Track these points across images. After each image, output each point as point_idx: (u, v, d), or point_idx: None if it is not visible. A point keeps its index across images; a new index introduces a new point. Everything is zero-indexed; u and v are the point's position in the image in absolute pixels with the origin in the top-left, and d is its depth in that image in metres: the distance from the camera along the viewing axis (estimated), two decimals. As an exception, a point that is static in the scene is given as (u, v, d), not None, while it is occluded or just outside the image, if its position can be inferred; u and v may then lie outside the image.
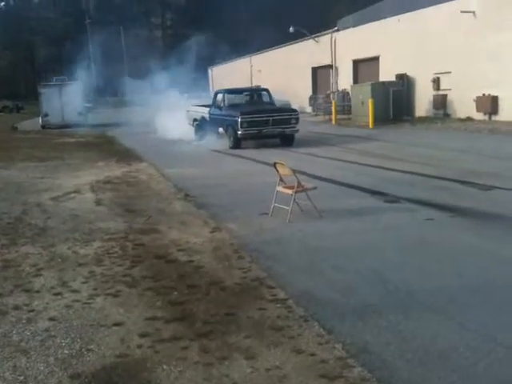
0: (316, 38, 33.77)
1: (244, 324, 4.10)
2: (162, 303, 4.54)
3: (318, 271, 5.26)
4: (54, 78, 33.11)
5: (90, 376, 3.39)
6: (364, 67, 29.52)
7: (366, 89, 24.08)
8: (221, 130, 17.48)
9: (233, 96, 18.41)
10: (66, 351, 3.71)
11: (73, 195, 9.61)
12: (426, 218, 7.05)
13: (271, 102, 18.26)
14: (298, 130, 16.94)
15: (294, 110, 17.84)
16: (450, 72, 22.71)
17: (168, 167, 12.67)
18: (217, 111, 17.85)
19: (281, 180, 7.68)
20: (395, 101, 24.16)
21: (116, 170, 12.65)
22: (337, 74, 32.37)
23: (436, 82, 23.83)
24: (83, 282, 5.08)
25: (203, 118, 19.02)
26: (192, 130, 19.92)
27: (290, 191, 7.37)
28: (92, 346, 3.78)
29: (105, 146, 19.03)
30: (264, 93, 18.79)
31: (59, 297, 4.72)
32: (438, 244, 6.04)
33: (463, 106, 22.06)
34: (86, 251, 6.10)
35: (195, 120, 19.76)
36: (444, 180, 9.74)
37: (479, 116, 21.37)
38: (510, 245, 5.90)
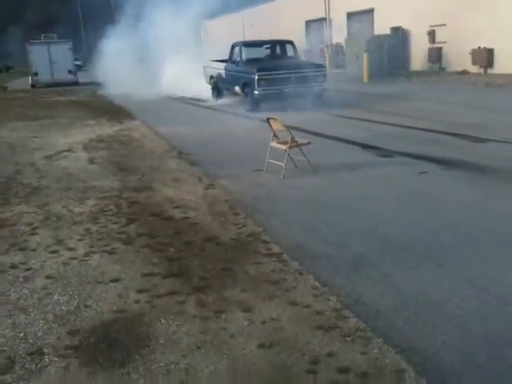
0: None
1: (240, 278, 4.14)
2: (159, 259, 4.57)
3: (313, 226, 5.28)
4: (42, 35, 32.33)
5: (88, 331, 3.43)
6: (358, 20, 28.94)
7: (360, 42, 23.69)
8: (237, 88, 15.58)
9: (251, 49, 16.19)
10: (64, 308, 3.75)
11: (65, 154, 9.54)
12: (420, 172, 7.06)
13: (296, 57, 16.20)
14: (325, 89, 14.73)
15: (321, 66, 15.57)
16: (444, 24, 22.33)
17: (161, 125, 12.54)
18: (233, 67, 15.89)
19: (274, 135, 7.63)
20: (390, 54, 23.83)
21: (108, 129, 12.52)
22: (331, 28, 31.75)
23: (431, 35, 23.46)
24: (79, 240, 5.09)
25: (219, 74, 17.12)
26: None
27: (283, 146, 7.34)
28: (90, 303, 3.82)
29: (96, 104, 18.78)
30: (288, 45, 16.54)
31: (55, 255, 4.74)
32: (432, 196, 6.07)
33: (458, 59, 21.80)
34: (80, 209, 6.10)
35: (211, 77, 17.99)
36: (438, 133, 9.71)
37: (475, 69, 21.15)
38: (500, 195, 5.95)
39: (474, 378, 2.85)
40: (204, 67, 18.66)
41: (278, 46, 16.72)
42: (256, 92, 14.10)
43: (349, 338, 3.22)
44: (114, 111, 16.25)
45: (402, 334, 3.24)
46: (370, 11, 27.39)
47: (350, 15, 29.76)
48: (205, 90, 18.19)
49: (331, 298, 3.75)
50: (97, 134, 11.75)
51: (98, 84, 24.35)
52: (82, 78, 31.54)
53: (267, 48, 16.60)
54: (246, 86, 14.69)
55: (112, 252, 4.78)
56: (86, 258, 4.64)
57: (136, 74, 20.41)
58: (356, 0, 27.80)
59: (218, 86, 17.42)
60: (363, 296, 3.75)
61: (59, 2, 56.40)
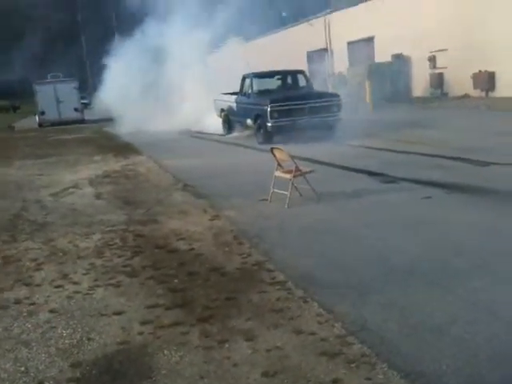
0: (310, 22, 33.52)
1: (244, 307, 4.12)
2: (163, 291, 4.57)
3: (317, 253, 5.27)
4: (48, 75, 33.02)
5: (91, 364, 3.42)
6: (359, 48, 29.34)
7: (362, 71, 23.97)
8: (249, 121, 15.08)
9: (262, 80, 15.80)
10: (66, 341, 3.74)
11: (72, 190, 9.63)
12: (424, 197, 7.05)
13: (308, 86, 15.73)
14: (340, 119, 14.17)
15: (336, 95, 14.81)
16: (446, 49, 22.57)
17: (166, 159, 12.67)
18: (244, 99, 15.47)
19: (278, 165, 7.68)
20: (392, 81, 24.06)
21: (114, 164, 12.65)
22: (332, 57, 32.19)
23: (432, 61, 23.71)
24: (84, 274, 5.11)
25: (230, 107, 16.73)
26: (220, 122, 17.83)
27: (288, 176, 7.37)
28: (93, 335, 3.81)
29: (102, 141, 19.01)
30: (300, 75, 16.16)
31: (60, 289, 4.75)
32: (436, 220, 6.05)
33: (460, 83, 21.95)
34: (86, 244, 6.12)
35: (222, 110, 17.50)
36: (442, 158, 9.71)
37: (476, 93, 21.28)
38: (505, 217, 5.93)
39: (481, 401, 2.80)
40: (214, 100, 18.20)
41: (290, 77, 16.38)
42: (269, 124, 13.67)
43: (353, 364, 3.18)
44: (119, 147, 16.44)
45: (406, 359, 3.20)
46: (371, 39, 27.79)
47: (350, 44, 30.19)
48: (215, 124, 17.93)
49: (336, 324, 3.71)
50: (103, 169, 11.87)
51: (108, 120, 24.56)
52: (88, 115, 32.04)
53: (279, 79, 16.33)
54: (259, 118, 14.27)
55: (116, 285, 4.78)
56: (91, 292, 4.65)
57: (143, 108, 20.49)
58: (356, 29, 28.24)
59: (229, 119, 17.08)
60: (368, 322, 3.72)
61: (64, 41, 57.71)
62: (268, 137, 13.80)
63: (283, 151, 7.64)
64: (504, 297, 3.94)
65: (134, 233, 6.46)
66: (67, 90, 30.48)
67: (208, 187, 8.92)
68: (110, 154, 14.60)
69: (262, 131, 14.15)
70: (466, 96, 21.51)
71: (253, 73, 15.72)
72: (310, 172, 7.60)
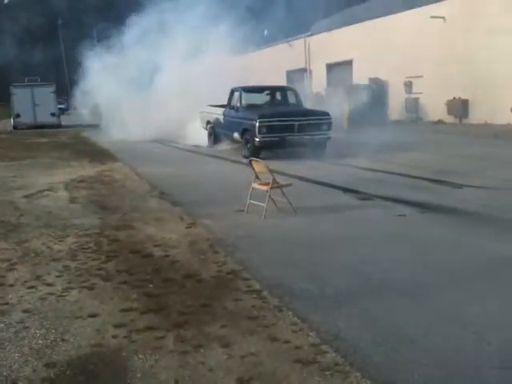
0: (290, 42, 33.98)
1: (219, 314, 4.13)
2: (138, 295, 4.55)
3: (293, 264, 5.33)
4: (25, 78, 32.61)
5: (65, 365, 3.38)
6: (338, 70, 29.84)
7: (339, 92, 24.33)
8: (236, 135, 14.85)
9: (251, 95, 15.51)
10: (40, 341, 3.70)
11: (46, 193, 9.51)
12: (398, 214, 7.20)
13: (298, 103, 15.57)
14: (330, 138, 14.01)
15: (326, 114, 14.38)
16: (421, 76, 23.13)
17: (143, 167, 12.62)
18: (232, 113, 15.20)
19: (256, 177, 7.74)
20: (369, 104, 24.46)
21: (90, 169, 12.55)
22: (311, 77, 32.63)
23: (408, 86, 24.25)
24: (57, 276, 5.05)
25: (217, 120, 16.46)
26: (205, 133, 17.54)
27: (265, 187, 7.44)
28: (67, 337, 3.77)
29: (78, 146, 18.83)
30: (289, 92, 16.03)
31: (33, 290, 4.69)
32: (409, 237, 6.20)
33: (435, 109, 22.50)
34: (60, 247, 6.06)
35: (208, 122, 17.31)
36: (417, 179, 9.94)
37: (450, 119, 21.83)
38: (475, 237, 6.13)
39: (451, 410, 2.87)
40: (200, 112, 17.88)
41: (279, 92, 16.22)
42: (257, 139, 13.35)
43: (328, 373, 3.22)
44: (95, 153, 16.30)
45: (379, 369, 3.26)
46: (349, 62, 28.30)
47: (329, 66, 30.70)
48: (199, 135, 17.66)
49: (310, 333, 3.76)
50: (78, 174, 11.75)
51: (86, 126, 24.20)
52: (65, 121, 31.71)
53: (268, 94, 16.12)
54: (246, 132, 14.00)
55: (91, 288, 4.74)
56: (64, 294, 4.60)
57: (127, 115, 20.22)
58: (335, 51, 28.75)
59: (215, 132, 16.87)
60: (342, 331, 3.77)
61: (43, 44, 57.11)
62: (255, 152, 13.22)
63: (261, 163, 7.73)
64: (472, 309, 4.06)
65: (109, 237, 6.41)
66: (44, 94, 30.14)
67: (185, 195, 8.92)
68: (86, 160, 14.48)
69: (249, 146, 13.89)
70: (439, 122, 22.03)
71: (242, 87, 15.42)
72: (288, 185, 7.69)
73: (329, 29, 29.96)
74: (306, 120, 13.69)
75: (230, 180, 10.37)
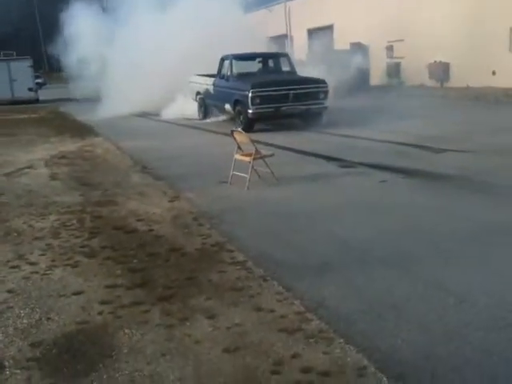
0: (270, 8, 33.43)
1: (205, 287, 4.15)
2: (122, 271, 4.54)
3: (277, 234, 5.35)
4: (1, 52, 31.81)
5: (51, 343, 3.38)
6: (319, 36, 29.45)
7: (320, 58, 24.09)
8: (227, 106, 14.12)
9: (243, 63, 14.60)
10: (25, 321, 3.69)
11: (26, 171, 9.38)
12: (380, 181, 7.23)
13: (292, 71, 14.69)
14: (327, 107, 13.30)
15: (322, 81, 13.45)
16: (402, 40, 22.97)
17: (125, 141, 12.47)
18: (222, 82, 14.42)
19: (239, 148, 7.70)
20: (350, 69, 24.29)
21: (70, 145, 12.38)
22: (292, 44, 32.26)
23: (390, 50, 24.10)
24: (41, 255, 5.01)
25: (207, 90, 15.68)
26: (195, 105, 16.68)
27: (247, 158, 7.41)
28: (52, 315, 3.77)
29: (57, 122, 18.52)
30: (283, 59, 15.14)
31: (16, 269, 4.65)
32: (391, 203, 6.24)
33: (416, 73, 22.41)
34: (42, 225, 6.00)
35: (198, 93, 16.42)
36: (399, 145, 9.96)
37: (432, 83, 21.79)
38: (455, 201, 6.18)
39: (433, 371, 2.93)
40: (189, 82, 16.90)
41: (272, 60, 15.39)
42: (250, 111, 12.68)
43: (312, 340, 3.27)
44: (76, 128, 16.06)
45: (363, 335, 3.31)
46: (330, 27, 27.98)
47: (310, 31, 30.31)
48: (190, 107, 16.89)
49: (295, 302, 3.80)
50: (58, 150, 11.59)
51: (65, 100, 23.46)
52: (43, 95, 31.12)
53: (260, 61, 15.24)
54: (239, 103, 13.29)
55: (74, 265, 4.72)
56: (48, 272, 4.57)
57: (108, 87, 19.43)
58: (316, 17, 28.37)
59: (206, 104, 16.15)
60: (326, 300, 3.82)
61: (19, 18, 55.63)
62: (249, 124, 12.82)
63: (243, 134, 7.69)
64: (455, 275, 4.12)
65: (92, 214, 6.36)
66: (21, 69, 29.45)
67: (168, 169, 8.87)
68: (67, 135, 14.26)
69: (242, 118, 13.18)
70: (421, 86, 21.98)
71: (232, 54, 14.37)
72: (270, 155, 7.66)
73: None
74: (302, 89, 13.00)
75: (213, 152, 10.30)
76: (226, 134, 12.28)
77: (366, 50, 25.49)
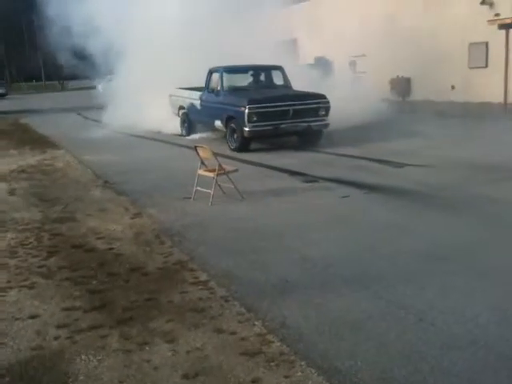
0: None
1: (165, 308, 4.09)
2: (81, 293, 4.44)
3: (240, 252, 5.32)
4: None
5: (3, 370, 3.27)
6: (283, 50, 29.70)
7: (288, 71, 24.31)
8: (218, 123, 12.84)
9: (234, 76, 13.52)
10: (-24, 347, 3.56)
11: (-17, 186, 9.11)
12: (343, 196, 7.30)
13: (287, 85, 13.58)
14: (328, 125, 12.27)
15: (323, 96, 12.34)
16: (364, 55, 23.41)
17: (87, 155, 12.26)
18: (211, 97, 13.17)
19: (202, 163, 7.66)
20: (315, 83, 24.56)
21: (30, 158, 12.09)
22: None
23: (353, 65, 24.51)
24: (-5, 276, 4.86)
25: (192, 105, 14.48)
26: (178, 120, 15.45)
27: (211, 174, 7.38)
28: (6, 340, 3.64)
29: (18, 134, 18.09)
30: (277, 72, 13.84)
31: (-32, 292, 4.49)
32: (353, 219, 6.31)
33: (378, 87, 22.80)
34: (-2, 243, 5.83)
35: (181, 108, 15.22)
36: (361, 159, 10.10)
37: (393, 97, 22.24)
38: (415, 218, 6.30)
39: (392, 394, 2.95)
40: (170, 96, 15.68)
41: (265, 73, 14.08)
42: (246, 129, 11.55)
43: (273, 363, 3.24)
44: (36, 140, 15.70)
45: (324, 356, 3.31)
46: (293, 41, 28.23)
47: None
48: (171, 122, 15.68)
49: (256, 323, 3.77)
50: (18, 164, 11.29)
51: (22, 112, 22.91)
52: (3, 106, 30.44)
53: (252, 75, 13.99)
54: (232, 120, 12.14)
55: (31, 287, 4.59)
56: (2, 294, 4.43)
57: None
58: (279, 30, 28.48)
59: (190, 119, 14.91)
60: (288, 319, 3.81)
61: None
62: (244, 143, 11.89)
63: (207, 149, 7.65)
64: (415, 293, 4.17)
65: (50, 232, 6.22)
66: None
67: (131, 184, 8.75)
68: (27, 148, 13.94)
69: (236, 136, 12.05)
70: (384, 100, 22.37)
71: (223, 67, 13.25)
72: (234, 171, 7.65)
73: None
74: (303, 104, 12.05)
75: (178, 167, 10.21)
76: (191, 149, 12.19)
77: (330, 64, 25.83)
